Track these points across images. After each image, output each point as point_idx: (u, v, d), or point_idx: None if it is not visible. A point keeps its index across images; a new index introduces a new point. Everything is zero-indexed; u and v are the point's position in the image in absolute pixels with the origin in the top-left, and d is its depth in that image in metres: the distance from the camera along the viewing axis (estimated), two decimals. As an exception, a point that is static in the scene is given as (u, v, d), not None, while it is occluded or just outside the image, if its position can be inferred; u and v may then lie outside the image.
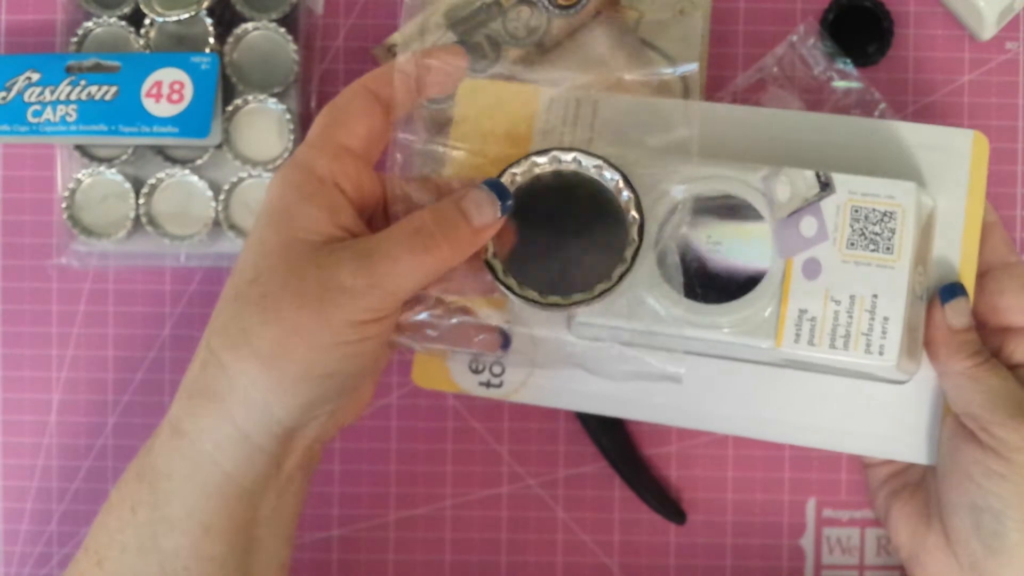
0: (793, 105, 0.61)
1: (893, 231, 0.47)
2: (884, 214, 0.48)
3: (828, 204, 0.48)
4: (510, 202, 0.47)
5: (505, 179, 0.48)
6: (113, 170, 0.61)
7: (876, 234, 0.48)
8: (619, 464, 0.61)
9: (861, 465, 0.60)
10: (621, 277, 0.47)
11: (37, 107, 0.59)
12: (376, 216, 0.49)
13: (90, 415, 0.63)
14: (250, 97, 0.61)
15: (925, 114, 0.62)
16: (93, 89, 0.59)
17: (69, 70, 0.60)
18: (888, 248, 0.47)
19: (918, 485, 0.54)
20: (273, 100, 0.61)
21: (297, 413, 0.44)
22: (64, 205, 0.61)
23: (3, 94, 0.60)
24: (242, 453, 0.44)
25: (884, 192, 0.48)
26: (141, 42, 0.61)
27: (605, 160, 0.48)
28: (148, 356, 0.63)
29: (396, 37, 0.62)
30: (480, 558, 0.62)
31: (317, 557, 0.62)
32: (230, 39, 0.61)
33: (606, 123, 0.51)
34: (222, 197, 0.61)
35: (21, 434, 0.63)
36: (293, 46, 0.61)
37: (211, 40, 0.61)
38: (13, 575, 0.63)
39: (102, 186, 0.62)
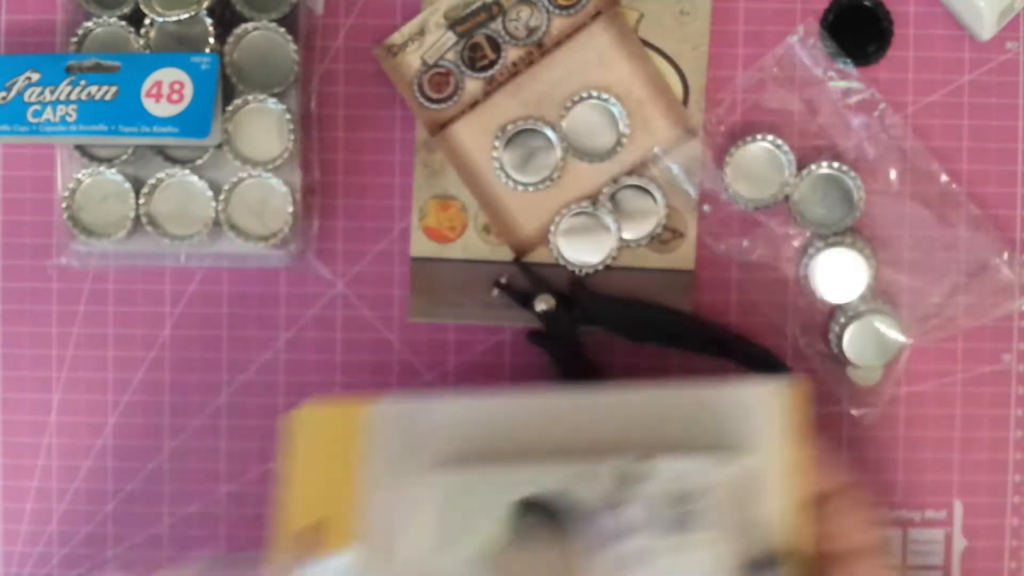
0: (793, 105, 0.61)
1: (711, 508, 0.46)
2: (701, 492, 0.47)
3: (646, 490, 0.47)
4: None
5: None
6: (113, 170, 0.61)
7: (694, 514, 0.46)
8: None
9: (861, 466, 0.60)
10: None
11: (37, 107, 0.59)
12: None
13: (90, 415, 0.63)
14: (250, 97, 0.61)
15: (925, 114, 0.62)
16: (93, 89, 0.59)
17: (69, 70, 0.60)
18: (708, 526, 0.46)
19: None
20: (273, 100, 0.61)
21: None
22: (64, 205, 0.61)
23: (3, 94, 0.60)
24: None
25: (697, 469, 0.47)
26: (141, 42, 0.61)
27: None
28: (148, 356, 0.63)
29: (396, 37, 0.62)
30: (480, 558, 0.62)
31: (317, 557, 0.62)
32: (230, 39, 0.61)
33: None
34: (222, 197, 0.61)
35: (21, 434, 0.63)
36: (293, 46, 0.61)
37: (211, 40, 0.61)
38: (13, 575, 0.63)
39: (102, 186, 0.62)
